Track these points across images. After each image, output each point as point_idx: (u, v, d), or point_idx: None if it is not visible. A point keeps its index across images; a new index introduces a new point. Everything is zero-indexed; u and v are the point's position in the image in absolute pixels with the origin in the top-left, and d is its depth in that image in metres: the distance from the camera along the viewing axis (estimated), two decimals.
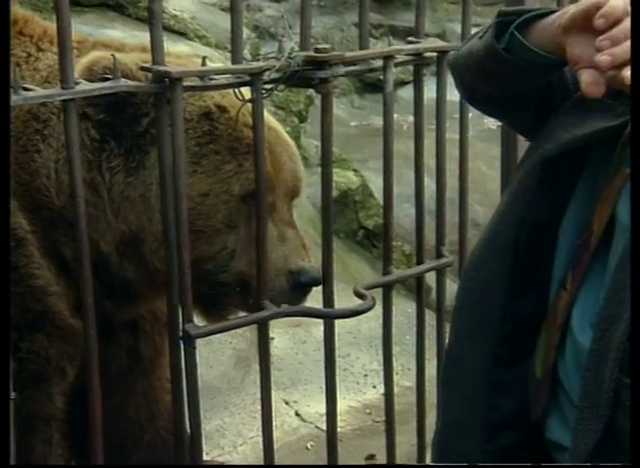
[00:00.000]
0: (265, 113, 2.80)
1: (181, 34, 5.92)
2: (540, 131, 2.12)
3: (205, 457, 2.86)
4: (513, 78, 1.99)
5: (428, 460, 3.31)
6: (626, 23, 1.65)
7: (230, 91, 2.64)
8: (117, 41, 2.95)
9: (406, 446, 3.25)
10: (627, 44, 1.64)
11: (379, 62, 2.87)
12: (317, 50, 2.63)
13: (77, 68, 2.50)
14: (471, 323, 2.11)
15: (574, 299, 1.93)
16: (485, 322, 2.07)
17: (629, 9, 1.67)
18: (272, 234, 2.71)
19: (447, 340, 2.32)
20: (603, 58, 1.65)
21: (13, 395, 2.19)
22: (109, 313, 2.69)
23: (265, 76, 2.54)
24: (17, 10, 2.86)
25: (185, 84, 2.43)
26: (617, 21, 1.66)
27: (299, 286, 2.75)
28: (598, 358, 1.82)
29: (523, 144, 3.46)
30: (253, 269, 2.64)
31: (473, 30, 3.40)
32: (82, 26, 5.17)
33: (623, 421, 1.75)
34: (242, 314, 2.77)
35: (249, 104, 2.60)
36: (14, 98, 2.25)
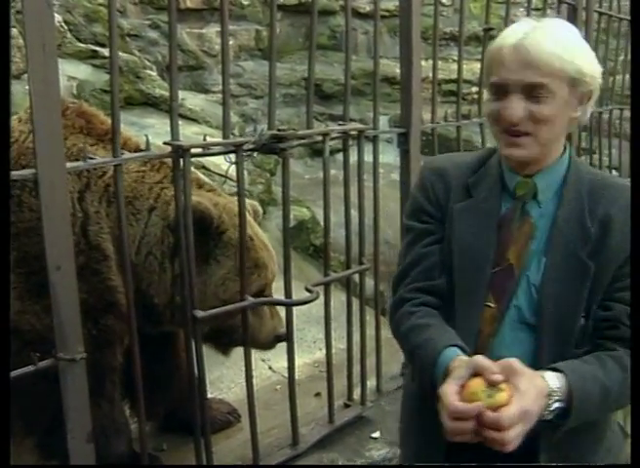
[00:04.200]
0: (257, 229, 2.91)
1: (194, 120, 6.02)
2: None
3: (209, 395, 2.87)
4: None
5: (356, 395, 3.32)
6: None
7: (255, 230, 2.82)
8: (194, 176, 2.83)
9: (339, 386, 3.25)
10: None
11: (319, 138, 2.93)
12: (279, 129, 2.67)
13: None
14: None
15: (503, 313, 1.74)
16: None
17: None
18: (266, 313, 2.91)
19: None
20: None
21: (85, 355, 2.18)
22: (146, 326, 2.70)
23: (245, 147, 2.59)
24: (104, 118, 2.77)
25: (193, 152, 2.45)
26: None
27: (277, 340, 2.94)
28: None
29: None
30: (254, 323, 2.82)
31: (381, 117, 3.44)
32: (132, 118, 5.22)
33: None
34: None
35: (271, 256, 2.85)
36: (83, 165, 2.24)
